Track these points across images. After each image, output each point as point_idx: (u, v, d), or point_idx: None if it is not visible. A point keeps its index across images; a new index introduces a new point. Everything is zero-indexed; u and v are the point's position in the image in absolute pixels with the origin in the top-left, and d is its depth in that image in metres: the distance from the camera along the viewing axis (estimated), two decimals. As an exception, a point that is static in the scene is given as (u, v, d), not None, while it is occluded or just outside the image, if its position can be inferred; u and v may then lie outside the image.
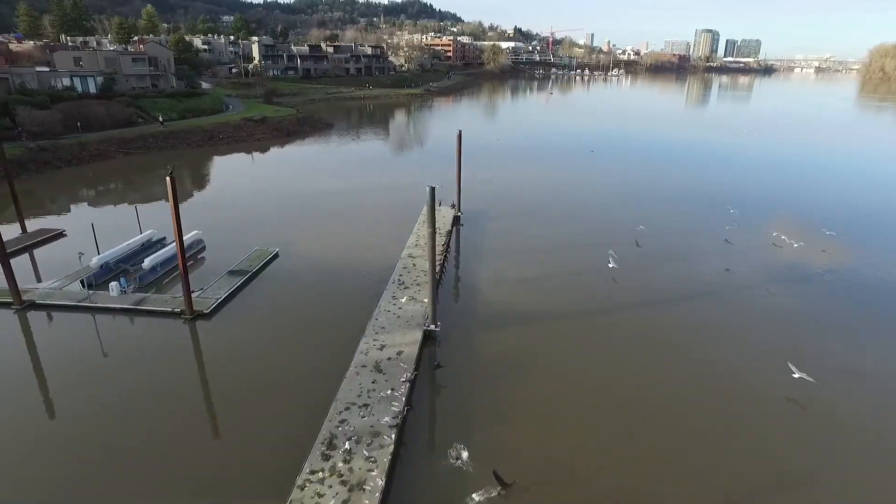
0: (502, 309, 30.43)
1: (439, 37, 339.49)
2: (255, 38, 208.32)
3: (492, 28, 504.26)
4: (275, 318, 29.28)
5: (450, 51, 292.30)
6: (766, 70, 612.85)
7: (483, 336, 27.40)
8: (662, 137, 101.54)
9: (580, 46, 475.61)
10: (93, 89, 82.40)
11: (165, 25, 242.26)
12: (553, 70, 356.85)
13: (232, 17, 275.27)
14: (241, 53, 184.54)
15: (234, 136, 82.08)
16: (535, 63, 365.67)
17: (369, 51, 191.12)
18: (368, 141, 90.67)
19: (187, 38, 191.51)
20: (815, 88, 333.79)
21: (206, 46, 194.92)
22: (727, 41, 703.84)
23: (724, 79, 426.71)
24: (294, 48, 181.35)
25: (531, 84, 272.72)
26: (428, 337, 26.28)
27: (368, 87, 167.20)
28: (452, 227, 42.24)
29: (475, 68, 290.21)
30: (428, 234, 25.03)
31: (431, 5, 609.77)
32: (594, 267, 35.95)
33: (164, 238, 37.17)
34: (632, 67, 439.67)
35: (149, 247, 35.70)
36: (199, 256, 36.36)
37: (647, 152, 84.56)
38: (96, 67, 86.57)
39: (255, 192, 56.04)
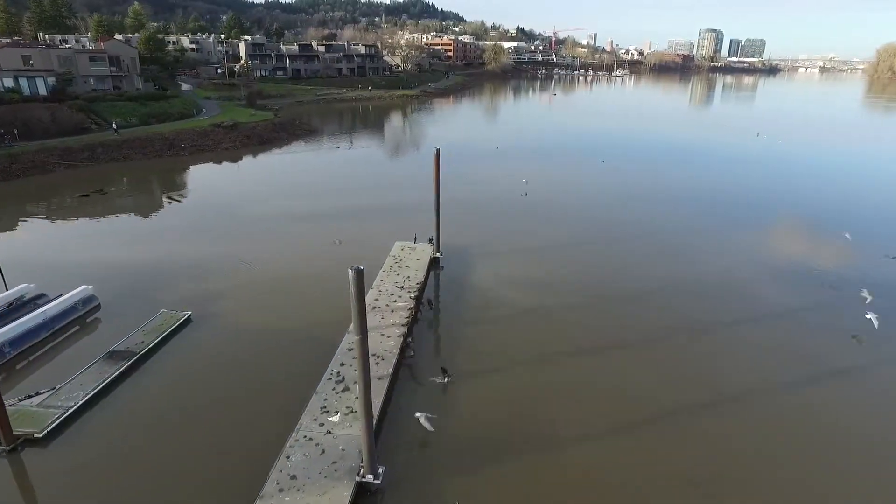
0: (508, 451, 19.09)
1: (440, 36, 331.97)
2: (247, 38, 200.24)
3: (494, 28, 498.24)
4: (152, 438, 19.41)
5: (450, 50, 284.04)
6: (771, 70, 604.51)
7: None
8: (681, 141, 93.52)
9: (583, 46, 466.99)
10: (43, 91, 73.80)
11: (155, 24, 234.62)
12: (556, 70, 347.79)
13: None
14: (230, 53, 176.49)
15: (199, 145, 73.12)
16: (538, 63, 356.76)
17: (363, 50, 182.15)
18: (354, 150, 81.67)
19: (171, 36, 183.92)
20: (825, 89, 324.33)
21: (193, 45, 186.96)
22: (731, 41, 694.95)
23: (729, 79, 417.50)
24: (283, 47, 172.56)
25: (534, 84, 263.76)
26: (362, 491, 16.62)
27: (368, 88, 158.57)
28: (428, 272, 33.03)
29: (476, 68, 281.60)
30: (356, 344, 15.71)
31: (433, 5, 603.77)
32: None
33: (43, 295, 28.12)
34: (635, 67, 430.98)
35: (17, 308, 26.78)
36: (87, 320, 27.34)
37: (659, 156, 76.36)
38: (49, 67, 77.91)
39: (191, 220, 46.14)
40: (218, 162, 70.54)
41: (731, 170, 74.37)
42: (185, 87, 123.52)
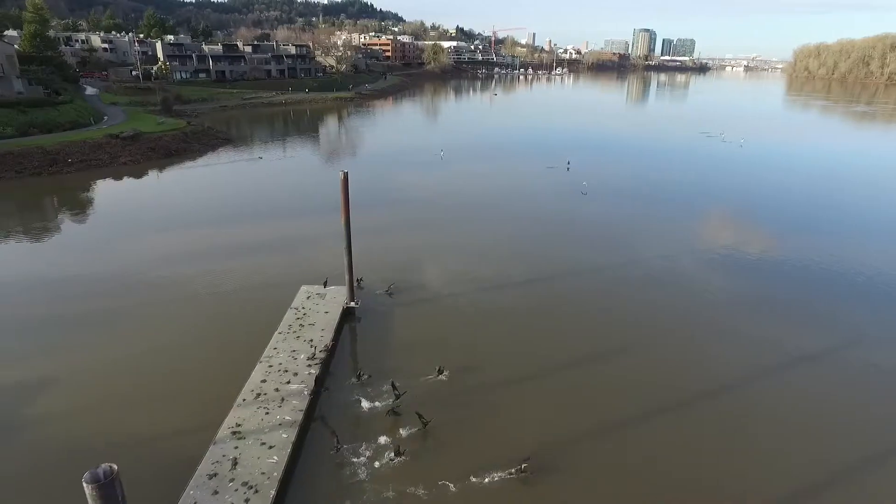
0: None
1: (378, 36, 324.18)
2: (170, 37, 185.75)
3: (434, 27, 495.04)
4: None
5: (389, 51, 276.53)
6: (701, 68, 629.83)
7: None
8: (627, 138, 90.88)
9: (522, 46, 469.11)
10: None
11: (63, 21, 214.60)
12: (496, 69, 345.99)
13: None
14: (149, 54, 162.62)
15: (90, 160, 63.12)
16: (478, 63, 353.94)
17: (293, 50, 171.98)
18: (278, 160, 73.62)
19: (79, 34, 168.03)
20: (750, 86, 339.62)
21: (106, 45, 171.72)
22: (664, 40, 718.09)
23: (663, 77, 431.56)
24: (206, 48, 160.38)
25: (474, 84, 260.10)
26: None
27: (306, 90, 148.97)
28: (340, 328, 26.35)
29: (415, 68, 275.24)
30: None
31: (372, 5, 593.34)
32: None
33: None
34: (574, 66, 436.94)
35: None
36: None
37: (608, 154, 73.11)
38: None
39: (41, 265, 36.06)
40: (116, 178, 60.97)
41: (675, 164, 75.99)
42: (89, 91, 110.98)
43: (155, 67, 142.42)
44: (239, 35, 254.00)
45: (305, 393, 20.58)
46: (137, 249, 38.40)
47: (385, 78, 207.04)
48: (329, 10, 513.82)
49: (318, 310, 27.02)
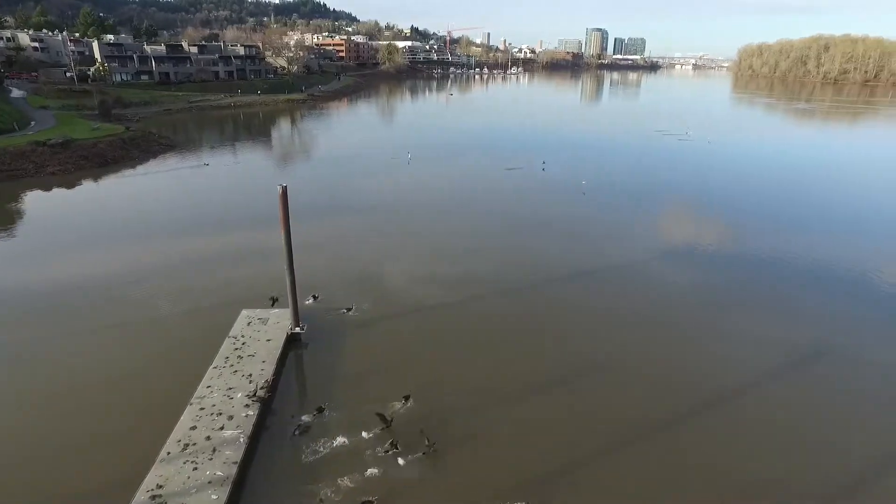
0: None
1: (332, 36, 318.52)
2: (109, 37, 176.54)
3: (388, 27, 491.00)
4: None
5: (342, 51, 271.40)
6: (652, 67, 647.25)
7: None
8: (585, 136, 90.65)
9: (477, 45, 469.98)
10: None
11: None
12: (451, 69, 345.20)
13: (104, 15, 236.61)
14: (86, 54, 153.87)
15: (13, 169, 58.05)
16: (434, 62, 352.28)
17: (242, 51, 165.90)
18: (226, 166, 69.82)
19: (4, 32, 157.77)
20: (700, 84, 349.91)
21: (36, 44, 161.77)
22: (615, 39, 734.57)
23: (616, 75, 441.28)
24: (148, 48, 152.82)
25: (430, 84, 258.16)
26: None
27: (258, 92, 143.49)
28: (283, 358, 23.94)
29: (370, 69, 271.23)
30: None
31: (325, 4, 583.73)
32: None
33: None
34: (529, 65, 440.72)
35: None
36: None
37: (567, 152, 72.28)
38: None
39: None
40: (44, 189, 56.20)
41: (650, 163, 76.99)
42: (16, 93, 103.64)
43: (92, 69, 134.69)
44: (186, 35, 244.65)
45: (242, 440, 18.20)
46: (54, 270, 34.77)
47: (339, 79, 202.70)
48: (281, 10, 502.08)
49: (259, 337, 24.53)
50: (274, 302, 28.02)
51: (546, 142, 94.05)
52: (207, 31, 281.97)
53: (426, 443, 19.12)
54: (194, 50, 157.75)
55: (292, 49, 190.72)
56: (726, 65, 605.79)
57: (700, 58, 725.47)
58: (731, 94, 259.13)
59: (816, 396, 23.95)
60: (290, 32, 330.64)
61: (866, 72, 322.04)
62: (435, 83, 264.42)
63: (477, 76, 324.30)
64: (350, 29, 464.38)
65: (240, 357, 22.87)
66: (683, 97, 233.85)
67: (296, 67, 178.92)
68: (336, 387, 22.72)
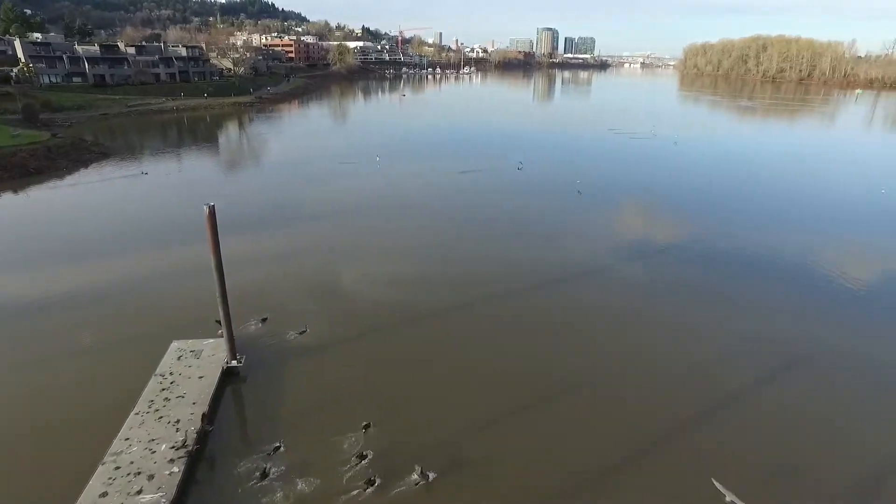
0: None
1: (281, 37, 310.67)
2: (36, 35, 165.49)
3: (339, 28, 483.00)
4: None
5: (292, 52, 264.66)
6: (602, 65, 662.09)
7: None
8: (542, 135, 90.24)
9: (430, 45, 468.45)
10: None
11: None
12: (404, 70, 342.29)
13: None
14: (8, 53, 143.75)
15: (-82, 186, 52.96)
16: (386, 63, 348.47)
17: (184, 52, 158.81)
18: (163, 177, 65.61)
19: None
20: (649, 82, 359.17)
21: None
22: (566, 39, 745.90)
23: (567, 74, 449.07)
24: (79, 48, 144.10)
25: (383, 84, 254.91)
26: None
27: (204, 95, 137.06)
28: (218, 397, 21.61)
29: (321, 70, 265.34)
30: None
31: (273, 4, 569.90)
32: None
33: None
34: (481, 65, 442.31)
35: None
36: None
37: (527, 151, 71.53)
38: None
39: None
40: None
41: (588, 159, 79.07)
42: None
43: (15, 70, 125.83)
44: (124, 35, 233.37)
45: (162, 505, 15.91)
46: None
47: (288, 80, 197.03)
48: (227, 10, 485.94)
49: (190, 374, 22.13)
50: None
51: (509, 142, 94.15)
52: (149, 31, 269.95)
53: (417, 475, 17.43)
54: (132, 51, 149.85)
55: (239, 50, 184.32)
56: (672, 63, 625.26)
57: (647, 56, 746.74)
58: (678, 92, 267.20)
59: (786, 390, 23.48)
60: (238, 33, 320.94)
61: (801, 70, 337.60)
62: (388, 84, 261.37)
63: (430, 76, 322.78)
64: (300, 29, 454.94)
65: (167, 399, 20.43)
66: (637, 96, 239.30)
67: (242, 69, 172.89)
68: (283, 424, 20.67)
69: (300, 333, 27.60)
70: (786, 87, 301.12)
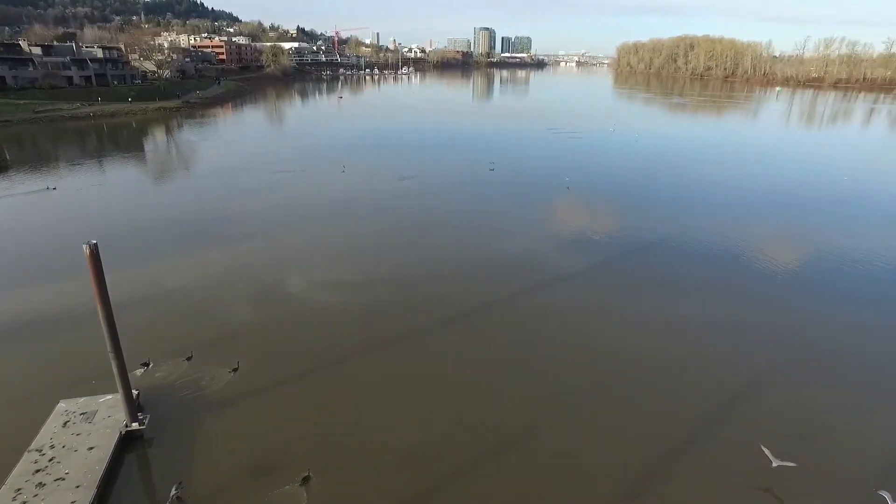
0: None
1: (211, 38, 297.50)
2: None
3: (273, 28, 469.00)
4: None
5: (223, 53, 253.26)
6: (539, 64, 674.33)
7: None
8: (479, 133, 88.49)
9: (367, 46, 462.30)
10: None
11: None
12: (341, 71, 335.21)
13: None
14: None
15: None
16: (322, 64, 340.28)
17: (100, 53, 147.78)
18: (73, 192, 59.14)
19: None
20: (586, 80, 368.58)
21: None
22: (503, 38, 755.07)
23: (505, 73, 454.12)
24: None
25: (320, 86, 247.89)
26: None
27: (128, 100, 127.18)
28: (111, 474, 17.73)
29: (254, 72, 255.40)
30: None
31: (202, 4, 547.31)
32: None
33: None
34: (420, 65, 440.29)
35: None
36: None
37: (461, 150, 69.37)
38: None
39: None
40: None
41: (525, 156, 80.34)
42: None
43: None
44: (31, 33, 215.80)
45: None
46: None
47: (219, 83, 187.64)
48: (152, 9, 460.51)
49: (77, 445, 18.27)
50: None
51: (455, 143, 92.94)
52: (61, 30, 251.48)
53: None
54: (37, 51, 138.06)
55: (164, 51, 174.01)
56: (607, 61, 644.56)
57: (583, 55, 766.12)
58: (614, 89, 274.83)
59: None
60: (165, 33, 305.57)
61: (726, 68, 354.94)
62: (325, 85, 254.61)
63: (368, 77, 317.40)
64: (231, 30, 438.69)
65: (41, 485, 16.49)
66: (577, 93, 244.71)
67: (168, 72, 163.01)
68: (202, 494, 17.19)
69: (232, 371, 24.23)
70: (713, 84, 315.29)
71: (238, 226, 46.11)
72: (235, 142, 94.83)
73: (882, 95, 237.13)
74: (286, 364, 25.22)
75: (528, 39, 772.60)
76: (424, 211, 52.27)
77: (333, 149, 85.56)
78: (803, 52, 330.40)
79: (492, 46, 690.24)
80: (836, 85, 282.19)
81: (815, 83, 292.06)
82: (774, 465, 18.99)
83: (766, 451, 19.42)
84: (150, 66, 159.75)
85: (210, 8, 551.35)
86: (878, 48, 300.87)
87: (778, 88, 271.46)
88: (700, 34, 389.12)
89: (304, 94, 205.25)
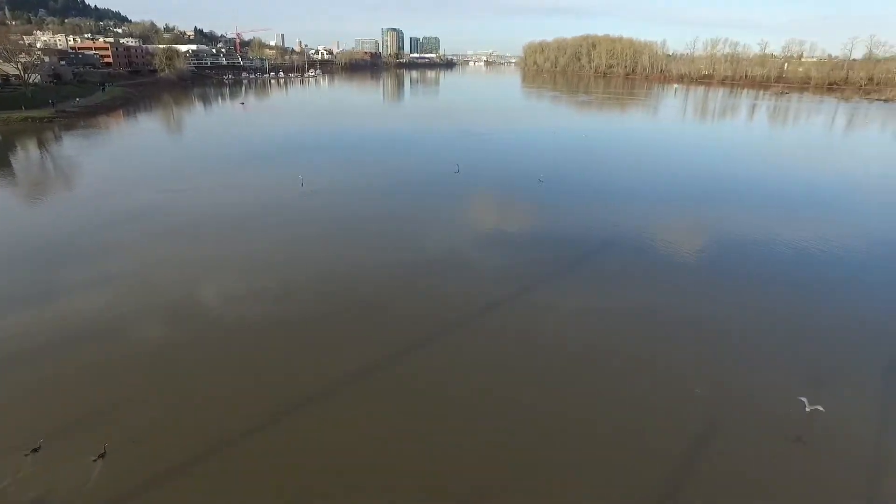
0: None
1: (94, 39, 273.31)
2: None
3: (168, 29, 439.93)
4: None
5: (108, 56, 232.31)
6: (448, 64, 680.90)
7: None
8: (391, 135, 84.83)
9: (271, 48, 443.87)
10: None
11: None
12: (244, 74, 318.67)
13: None
14: None
15: None
16: (223, 67, 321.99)
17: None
18: None
19: None
20: (495, 79, 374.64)
21: None
22: (411, 38, 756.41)
23: (415, 73, 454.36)
24: None
25: (222, 91, 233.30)
26: None
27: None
28: None
29: (146, 77, 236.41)
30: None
31: (84, 0, 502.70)
32: None
33: None
34: (328, 67, 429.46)
35: None
36: None
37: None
38: None
39: None
40: None
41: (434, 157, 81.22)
42: None
43: None
44: None
45: None
46: None
47: (103, 89, 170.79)
48: (20, 4, 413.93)
49: None
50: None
51: (367, 146, 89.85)
52: None
53: None
54: None
55: (34, 52, 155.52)
56: (514, 60, 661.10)
57: (491, 55, 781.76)
58: (522, 88, 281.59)
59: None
60: (38, 32, 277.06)
61: (626, 67, 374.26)
62: (228, 90, 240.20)
63: (273, 80, 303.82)
64: (119, 30, 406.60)
65: None
66: (488, 93, 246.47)
67: (36, 76, 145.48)
68: None
69: (97, 459, 19.24)
70: (615, 81, 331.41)
71: (106, 263, 39.02)
72: (119, 157, 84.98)
73: (761, 92, 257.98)
74: (172, 443, 20.57)
75: (437, 39, 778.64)
76: (336, 227, 48.01)
77: (228, 160, 78.75)
78: (693, 52, 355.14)
79: (400, 47, 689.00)
80: (723, 82, 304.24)
81: (705, 80, 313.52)
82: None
83: None
84: (10, 69, 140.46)
85: (93, 6, 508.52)
86: (755, 49, 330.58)
87: (675, 86, 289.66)
88: (601, 34, 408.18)
89: (204, 100, 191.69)
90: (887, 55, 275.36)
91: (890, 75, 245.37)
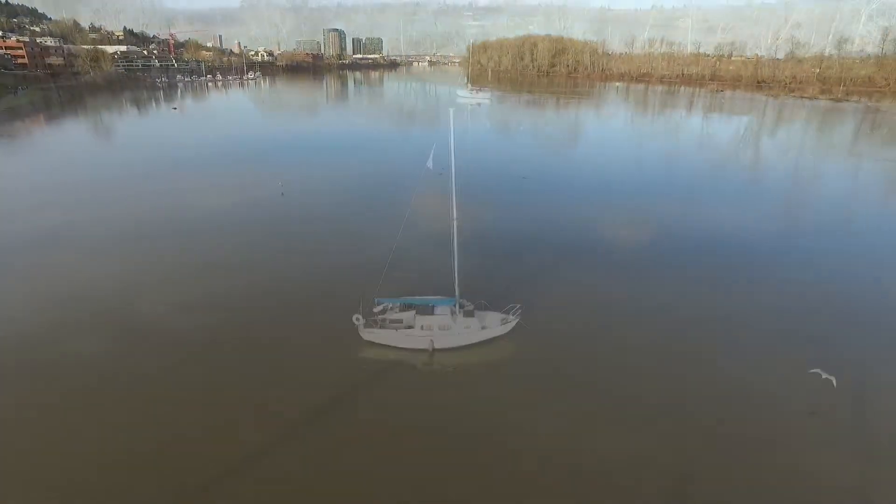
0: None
1: (6, 37, 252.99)
2: None
3: (93, 28, 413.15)
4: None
5: (23, 56, 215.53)
6: (392, 65, 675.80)
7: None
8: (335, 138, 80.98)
9: (209, 49, 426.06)
10: None
11: None
12: (179, 77, 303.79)
13: None
14: None
15: None
16: (156, 70, 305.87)
17: None
18: None
19: None
20: (442, 78, 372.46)
21: None
22: (353, 39, 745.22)
23: (359, 74, 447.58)
24: None
25: (156, 94, 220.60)
26: None
27: None
28: None
29: (69, 79, 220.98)
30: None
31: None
32: None
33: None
34: (268, 69, 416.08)
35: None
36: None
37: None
38: None
39: None
40: None
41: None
42: None
43: None
44: None
45: None
46: None
47: (16, 93, 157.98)
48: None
49: None
50: None
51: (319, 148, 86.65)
52: None
53: None
54: None
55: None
56: (457, 60, 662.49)
57: (434, 55, 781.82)
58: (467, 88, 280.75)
59: None
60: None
61: (568, 66, 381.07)
62: (162, 93, 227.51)
63: (210, 83, 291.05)
64: (37, 29, 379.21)
65: None
66: (431, 93, 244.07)
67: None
68: None
69: None
70: (558, 80, 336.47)
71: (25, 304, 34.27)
72: (28, 171, 76.78)
73: (698, 89, 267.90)
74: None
75: (380, 40, 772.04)
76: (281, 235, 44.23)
77: (156, 168, 72.87)
78: (632, 51, 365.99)
79: (343, 48, 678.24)
80: (662, 80, 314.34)
81: (645, 78, 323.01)
82: None
83: None
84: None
85: (5, 2, 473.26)
86: (689, 48, 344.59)
87: (618, 84, 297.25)
88: (542, 33, 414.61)
89: (134, 104, 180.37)
90: (808, 55, 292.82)
91: (810, 75, 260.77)
